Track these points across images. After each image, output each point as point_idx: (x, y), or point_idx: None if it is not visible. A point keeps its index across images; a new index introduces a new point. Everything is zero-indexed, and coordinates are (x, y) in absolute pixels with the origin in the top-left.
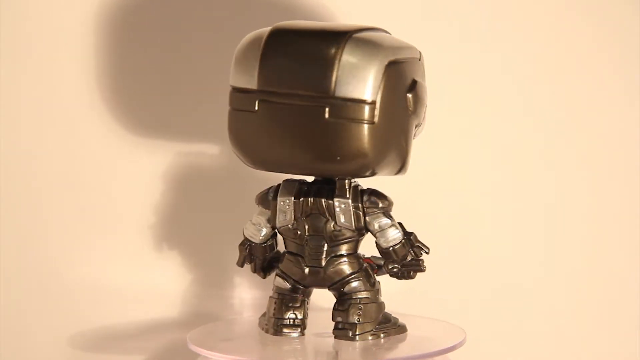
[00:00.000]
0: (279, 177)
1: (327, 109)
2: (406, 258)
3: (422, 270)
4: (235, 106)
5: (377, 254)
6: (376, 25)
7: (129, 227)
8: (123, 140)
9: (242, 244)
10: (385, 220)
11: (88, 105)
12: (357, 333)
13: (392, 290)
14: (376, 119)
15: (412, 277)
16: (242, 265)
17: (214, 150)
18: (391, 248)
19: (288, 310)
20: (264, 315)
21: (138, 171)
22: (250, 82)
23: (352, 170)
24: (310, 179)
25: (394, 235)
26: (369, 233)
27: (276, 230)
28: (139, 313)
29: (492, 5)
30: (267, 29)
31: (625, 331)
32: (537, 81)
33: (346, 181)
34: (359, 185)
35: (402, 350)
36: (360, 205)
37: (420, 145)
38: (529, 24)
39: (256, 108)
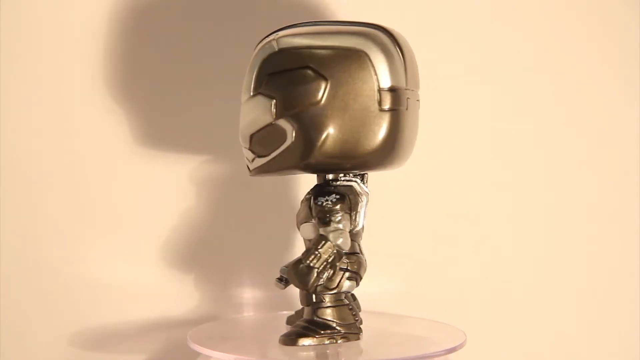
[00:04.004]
0: (279, 181)
1: (419, 102)
2: None
3: None
4: (393, 106)
5: None
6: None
7: (129, 227)
8: (123, 141)
9: (338, 261)
10: None
11: (89, 106)
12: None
13: (392, 291)
14: None
15: None
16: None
17: (214, 152)
18: None
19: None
20: (324, 330)
21: (138, 171)
22: (400, 81)
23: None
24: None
25: None
26: None
27: None
28: (139, 313)
29: (492, 6)
30: (372, 30)
31: (625, 331)
32: (537, 81)
33: None
34: None
35: (403, 351)
36: None
37: (419, 145)
38: (529, 24)
39: (407, 106)
